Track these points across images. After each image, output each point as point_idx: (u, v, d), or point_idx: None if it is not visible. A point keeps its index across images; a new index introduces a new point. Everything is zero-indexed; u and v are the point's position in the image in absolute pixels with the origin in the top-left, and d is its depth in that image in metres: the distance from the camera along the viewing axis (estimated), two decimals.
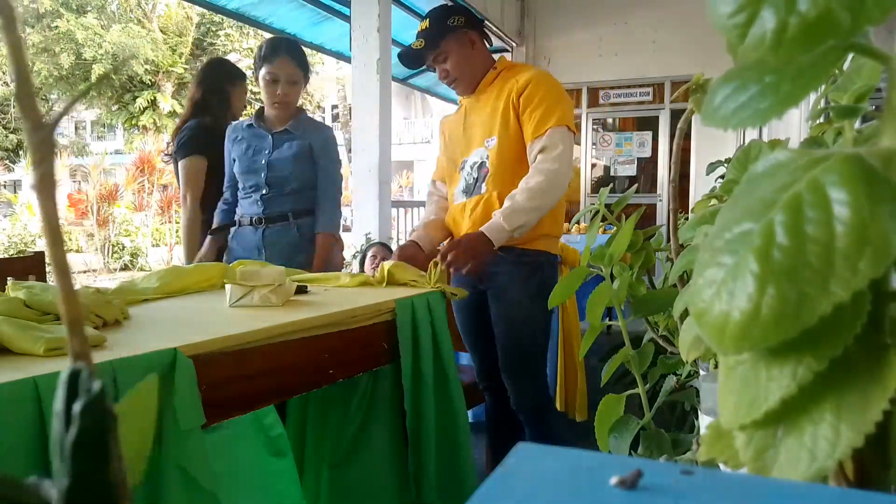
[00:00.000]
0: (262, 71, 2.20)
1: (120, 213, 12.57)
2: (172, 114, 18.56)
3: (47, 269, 2.22)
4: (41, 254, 2.06)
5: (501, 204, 1.81)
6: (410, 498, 1.67)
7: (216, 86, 2.61)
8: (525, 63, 2.14)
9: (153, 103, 18.40)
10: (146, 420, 0.20)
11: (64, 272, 0.18)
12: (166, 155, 2.72)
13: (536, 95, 1.82)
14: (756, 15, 0.25)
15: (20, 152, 17.64)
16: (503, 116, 1.86)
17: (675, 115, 7.35)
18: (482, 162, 1.93)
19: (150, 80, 18.21)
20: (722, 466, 0.31)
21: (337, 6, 5.60)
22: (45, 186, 0.17)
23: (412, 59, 2.00)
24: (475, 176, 1.93)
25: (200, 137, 2.47)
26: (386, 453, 1.73)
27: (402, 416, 1.64)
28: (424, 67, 2.10)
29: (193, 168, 2.45)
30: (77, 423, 0.17)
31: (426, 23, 1.95)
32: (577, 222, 4.79)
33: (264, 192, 2.23)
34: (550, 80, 1.90)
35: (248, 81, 2.83)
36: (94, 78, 16.15)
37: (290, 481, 1.67)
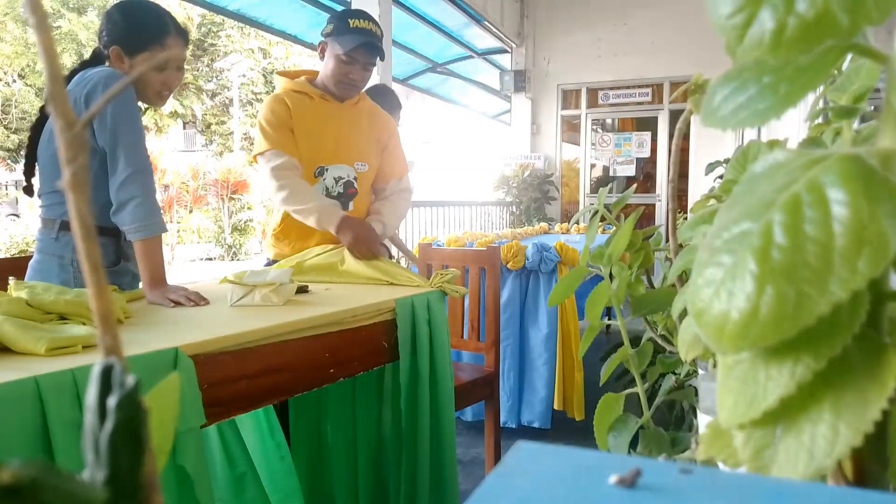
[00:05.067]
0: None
1: None
2: (174, 114, 18.55)
3: None
4: None
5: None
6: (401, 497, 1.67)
7: None
8: (375, 104, 2.29)
9: None
10: (167, 417, 0.20)
11: (95, 268, 0.18)
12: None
13: (399, 143, 2.21)
14: (754, 15, 0.25)
15: (22, 152, 17.62)
16: (375, 151, 2.13)
17: (674, 116, 7.35)
18: (349, 181, 2.07)
19: None
20: (721, 465, 0.31)
21: (337, 7, 5.61)
22: (77, 183, 0.18)
23: (369, 48, 2.01)
24: (340, 191, 2.06)
25: None
26: (398, 452, 1.73)
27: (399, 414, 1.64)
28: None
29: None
30: (113, 416, 0.17)
31: (379, 30, 2.05)
32: (577, 222, 4.79)
33: None
34: None
35: None
36: None
37: (292, 484, 1.68)
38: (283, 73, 2.13)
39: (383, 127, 2.15)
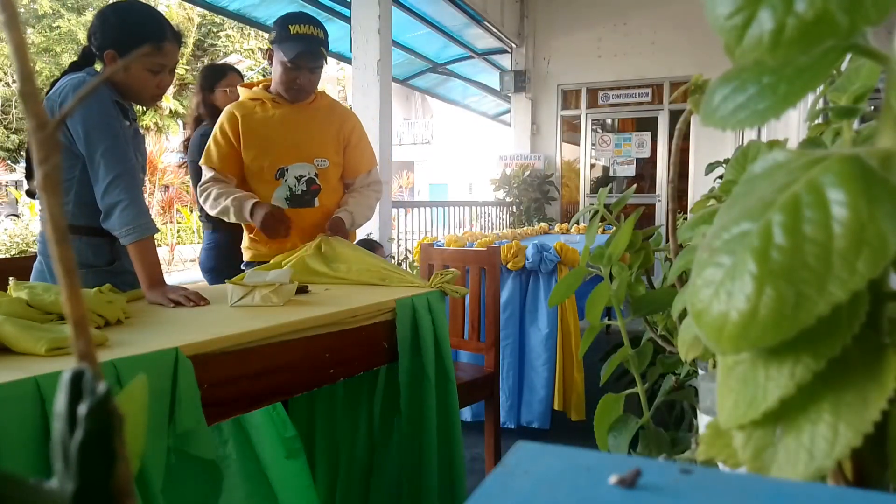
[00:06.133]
0: None
1: None
2: (174, 114, 18.54)
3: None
4: None
5: (332, 215, 2.12)
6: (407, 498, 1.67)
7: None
8: (336, 100, 2.30)
9: None
10: (137, 420, 0.19)
11: (69, 271, 0.17)
12: (183, 159, 2.88)
13: (363, 137, 2.24)
14: (754, 16, 0.25)
15: (21, 153, 17.68)
16: (334, 146, 2.15)
17: (674, 116, 7.35)
18: (311, 178, 2.10)
19: None
20: (721, 465, 0.31)
21: (337, 7, 5.61)
22: (50, 184, 0.17)
23: (311, 54, 2.01)
24: (304, 189, 2.10)
25: None
26: (393, 453, 1.73)
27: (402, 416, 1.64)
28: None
29: None
30: (83, 425, 0.16)
31: (321, 33, 2.04)
32: (577, 222, 4.79)
33: None
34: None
35: (237, 73, 2.88)
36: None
37: (305, 483, 1.67)
38: (244, 86, 2.18)
39: (343, 122, 2.16)
